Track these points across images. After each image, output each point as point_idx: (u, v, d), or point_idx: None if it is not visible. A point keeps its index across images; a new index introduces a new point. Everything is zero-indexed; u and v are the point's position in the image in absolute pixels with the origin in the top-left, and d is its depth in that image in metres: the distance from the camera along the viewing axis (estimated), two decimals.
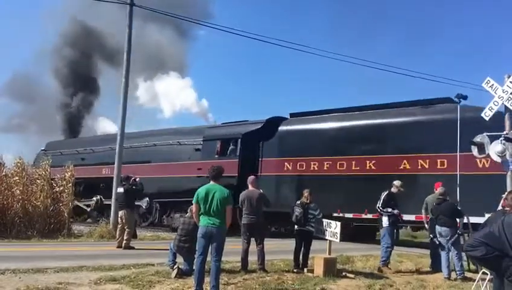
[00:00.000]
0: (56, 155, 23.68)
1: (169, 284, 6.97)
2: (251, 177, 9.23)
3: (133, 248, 11.57)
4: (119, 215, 12.22)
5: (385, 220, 9.67)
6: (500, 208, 6.07)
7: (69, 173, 16.31)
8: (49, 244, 12.70)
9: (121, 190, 12.49)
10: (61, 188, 16.00)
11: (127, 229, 11.76)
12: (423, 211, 10.43)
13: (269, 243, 10.09)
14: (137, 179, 12.86)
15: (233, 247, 8.33)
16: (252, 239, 8.83)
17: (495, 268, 3.02)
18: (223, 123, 21.32)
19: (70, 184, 16.09)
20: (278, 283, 7.52)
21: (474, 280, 7.75)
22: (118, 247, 11.61)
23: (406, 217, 13.55)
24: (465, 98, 14.06)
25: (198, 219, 6.51)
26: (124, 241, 11.66)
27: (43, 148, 26.81)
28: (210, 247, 6.41)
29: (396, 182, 10.18)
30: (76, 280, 6.89)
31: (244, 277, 7.79)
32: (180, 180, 19.36)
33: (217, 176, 6.73)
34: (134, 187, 12.46)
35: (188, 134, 21.17)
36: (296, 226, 9.24)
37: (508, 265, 2.77)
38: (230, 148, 18.67)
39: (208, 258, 6.47)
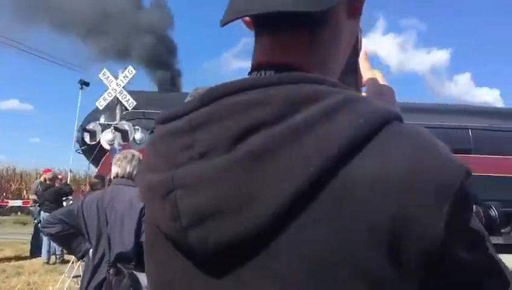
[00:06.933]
0: None
1: None
2: None
3: None
4: None
5: None
6: None
7: None
8: None
9: None
10: None
11: None
12: (31, 196, 10.13)
13: None
14: None
15: None
16: None
17: (67, 246, 3.02)
18: None
19: None
20: None
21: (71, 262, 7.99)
22: None
23: (12, 203, 12.86)
24: (87, 84, 14.56)
25: None
26: None
27: None
28: None
29: None
30: None
31: None
32: None
33: None
34: None
35: None
36: None
37: (79, 243, 2.84)
38: None
39: None
